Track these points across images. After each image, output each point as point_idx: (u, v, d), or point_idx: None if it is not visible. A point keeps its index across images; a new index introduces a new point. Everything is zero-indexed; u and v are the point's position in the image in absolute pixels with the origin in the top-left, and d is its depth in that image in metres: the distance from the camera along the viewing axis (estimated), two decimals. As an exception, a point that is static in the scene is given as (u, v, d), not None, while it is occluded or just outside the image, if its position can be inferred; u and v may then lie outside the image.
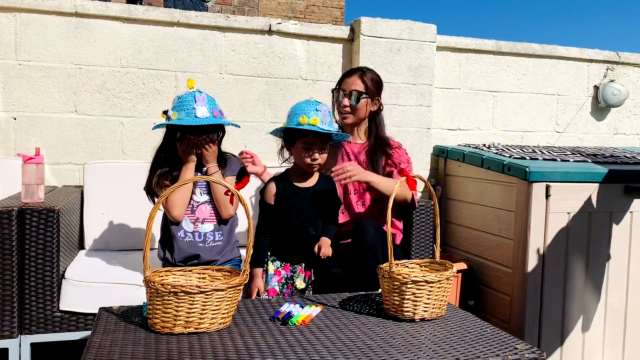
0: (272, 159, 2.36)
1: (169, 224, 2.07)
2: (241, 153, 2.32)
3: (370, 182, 2.16)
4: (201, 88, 2.06)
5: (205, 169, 2.06)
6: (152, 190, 2.05)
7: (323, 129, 1.93)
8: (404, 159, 2.35)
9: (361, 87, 2.33)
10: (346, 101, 2.33)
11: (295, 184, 2.06)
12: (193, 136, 1.99)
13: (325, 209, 2.08)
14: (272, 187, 2.05)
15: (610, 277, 2.49)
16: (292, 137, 2.01)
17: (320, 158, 2.00)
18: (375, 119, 2.38)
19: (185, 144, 2.01)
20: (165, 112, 2.01)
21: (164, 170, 2.05)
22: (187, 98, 1.97)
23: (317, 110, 1.95)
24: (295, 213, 2.04)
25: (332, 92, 2.41)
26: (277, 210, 2.04)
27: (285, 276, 2.08)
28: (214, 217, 2.10)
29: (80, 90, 2.75)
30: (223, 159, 2.14)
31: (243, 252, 2.35)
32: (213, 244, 2.09)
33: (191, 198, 2.08)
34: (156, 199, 2.04)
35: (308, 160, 1.99)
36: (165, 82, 2.86)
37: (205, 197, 2.10)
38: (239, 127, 2.14)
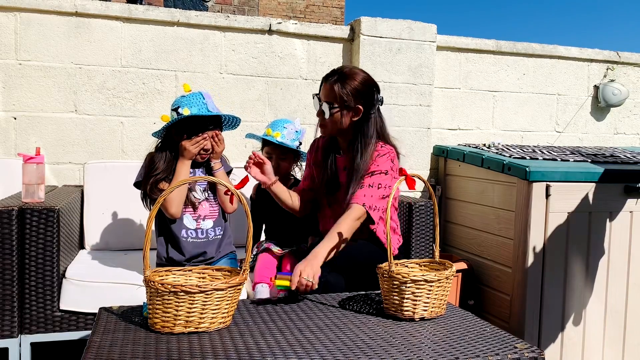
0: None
1: (169, 224, 2.08)
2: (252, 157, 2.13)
3: (327, 259, 1.83)
4: (201, 88, 2.08)
5: (212, 164, 2.11)
6: (147, 195, 2.05)
7: (277, 141, 2.21)
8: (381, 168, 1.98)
9: (333, 97, 2.00)
10: (319, 112, 2.05)
11: None
12: (211, 131, 2.03)
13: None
14: (256, 185, 2.37)
15: (610, 277, 2.49)
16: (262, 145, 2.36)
17: (281, 166, 2.28)
18: (362, 128, 2.02)
19: (197, 140, 2.02)
20: (175, 109, 2.01)
21: (159, 177, 2.03)
22: (194, 95, 2.03)
23: (284, 127, 2.26)
24: (268, 208, 2.28)
25: (313, 97, 2.10)
26: (257, 203, 2.35)
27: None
28: (214, 214, 2.13)
29: (81, 90, 2.75)
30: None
31: (241, 250, 2.36)
32: (214, 238, 2.13)
33: (193, 196, 2.09)
34: (151, 204, 2.05)
35: None
36: (166, 82, 2.86)
37: (206, 194, 2.12)
38: (239, 122, 2.19)
